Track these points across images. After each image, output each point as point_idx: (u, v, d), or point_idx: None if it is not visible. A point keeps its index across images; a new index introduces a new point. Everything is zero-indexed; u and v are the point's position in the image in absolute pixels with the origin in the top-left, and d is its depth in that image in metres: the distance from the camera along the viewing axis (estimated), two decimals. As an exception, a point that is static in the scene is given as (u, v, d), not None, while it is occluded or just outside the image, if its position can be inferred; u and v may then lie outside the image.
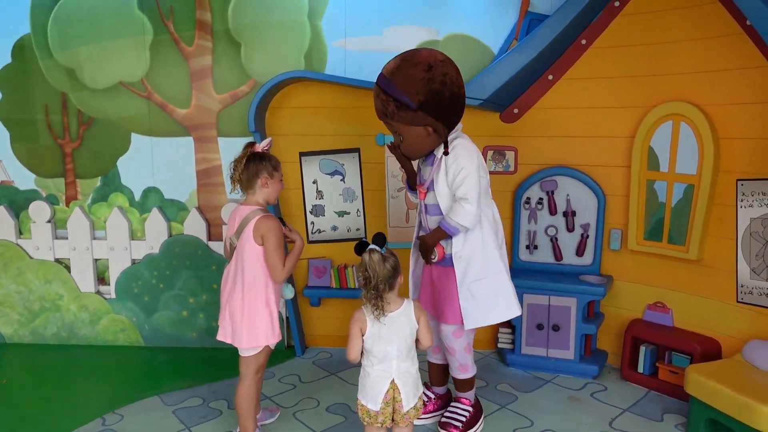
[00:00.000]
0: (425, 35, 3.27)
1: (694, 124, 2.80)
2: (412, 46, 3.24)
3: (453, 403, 2.62)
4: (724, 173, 2.76)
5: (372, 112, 3.27)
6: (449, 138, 2.32)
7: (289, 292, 2.50)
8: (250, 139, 3.34)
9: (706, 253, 2.86)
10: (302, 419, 2.71)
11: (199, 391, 3.01)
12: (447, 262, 2.41)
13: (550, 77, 3.21)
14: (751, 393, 2.30)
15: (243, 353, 2.34)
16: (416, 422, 2.62)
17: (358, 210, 3.42)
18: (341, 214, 3.44)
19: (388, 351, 2.03)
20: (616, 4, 3.01)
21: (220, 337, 2.36)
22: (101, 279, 3.64)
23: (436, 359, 2.71)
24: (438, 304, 2.48)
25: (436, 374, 2.74)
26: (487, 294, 2.40)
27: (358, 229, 3.43)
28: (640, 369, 3.03)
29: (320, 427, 2.64)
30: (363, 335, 2.03)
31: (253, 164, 2.28)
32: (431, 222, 2.45)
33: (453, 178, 2.29)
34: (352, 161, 3.38)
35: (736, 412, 2.31)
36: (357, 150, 3.36)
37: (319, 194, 3.42)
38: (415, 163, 2.56)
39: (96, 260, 3.58)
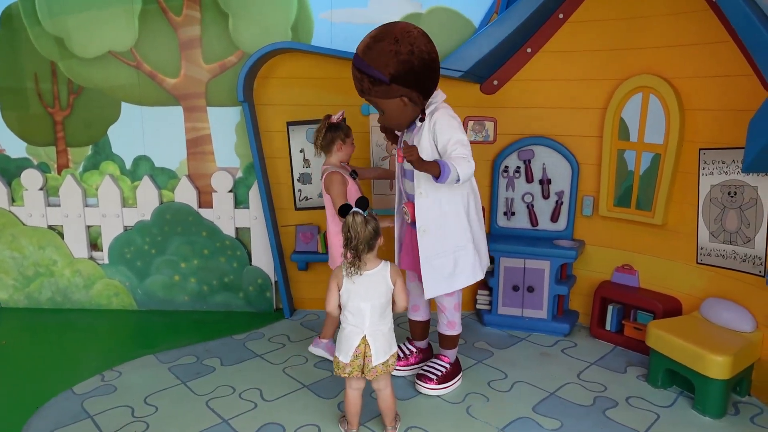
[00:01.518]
0: (409, 8, 3.36)
1: (662, 96, 2.95)
2: (396, 18, 3.35)
3: (433, 359, 2.80)
4: (688, 143, 2.93)
5: (357, 83, 3.40)
6: (428, 107, 2.44)
7: None
8: (238, 108, 3.48)
9: (669, 218, 3.05)
10: (291, 374, 2.88)
11: (193, 349, 3.16)
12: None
13: (529, 50, 3.34)
14: (703, 344, 2.52)
15: None
16: (399, 374, 2.82)
17: (343, 178, 3.54)
18: (327, 182, 3.57)
19: (361, 308, 2.17)
20: (592, -21, 3.13)
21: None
22: (94, 245, 3.75)
23: (416, 316, 2.88)
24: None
25: (416, 330, 2.92)
26: (446, 266, 2.52)
27: (343, 197, 3.56)
28: (608, 327, 3.25)
29: (308, 380, 2.82)
30: (339, 290, 2.19)
31: (329, 133, 2.82)
32: (407, 186, 2.57)
33: (443, 148, 2.36)
34: (338, 131, 3.49)
35: (690, 362, 2.53)
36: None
37: (306, 163, 3.54)
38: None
39: (88, 227, 3.69)
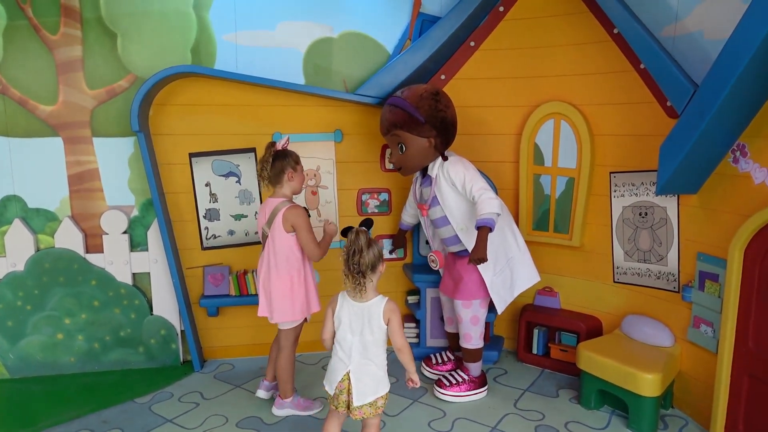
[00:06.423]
0: (319, 32, 3.20)
1: (572, 122, 3.06)
2: (307, 43, 3.22)
3: (458, 369, 2.95)
4: (599, 167, 3.05)
5: (268, 110, 3.22)
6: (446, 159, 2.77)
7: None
8: (131, 139, 3.10)
9: (586, 240, 3.14)
10: (210, 439, 2.54)
11: (87, 422, 2.68)
12: (464, 252, 2.81)
13: (443, 77, 3.32)
14: (633, 363, 2.58)
15: (282, 326, 2.64)
16: (431, 375, 3.08)
17: (256, 212, 3.27)
18: (238, 217, 3.27)
19: (347, 339, 2.05)
20: (501, 9, 3.19)
21: (259, 313, 2.63)
22: (-51, 305, 3.10)
23: (450, 329, 3.11)
24: (453, 283, 2.89)
25: (451, 341, 3.14)
26: (506, 279, 2.83)
27: (256, 233, 3.28)
28: (535, 350, 3.26)
29: (231, 444, 2.50)
30: (334, 315, 2.09)
31: (278, 162, 2.52)
32: (442, 232, 2.87)
33: (462, 188, 2.68)
34: (248, 161, 3.22)
35: (622, 381, 2.57)
36: (253, 150, 3.21)
37: (213, 197, 3.22)
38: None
39: (-59, 284, 3.05)
